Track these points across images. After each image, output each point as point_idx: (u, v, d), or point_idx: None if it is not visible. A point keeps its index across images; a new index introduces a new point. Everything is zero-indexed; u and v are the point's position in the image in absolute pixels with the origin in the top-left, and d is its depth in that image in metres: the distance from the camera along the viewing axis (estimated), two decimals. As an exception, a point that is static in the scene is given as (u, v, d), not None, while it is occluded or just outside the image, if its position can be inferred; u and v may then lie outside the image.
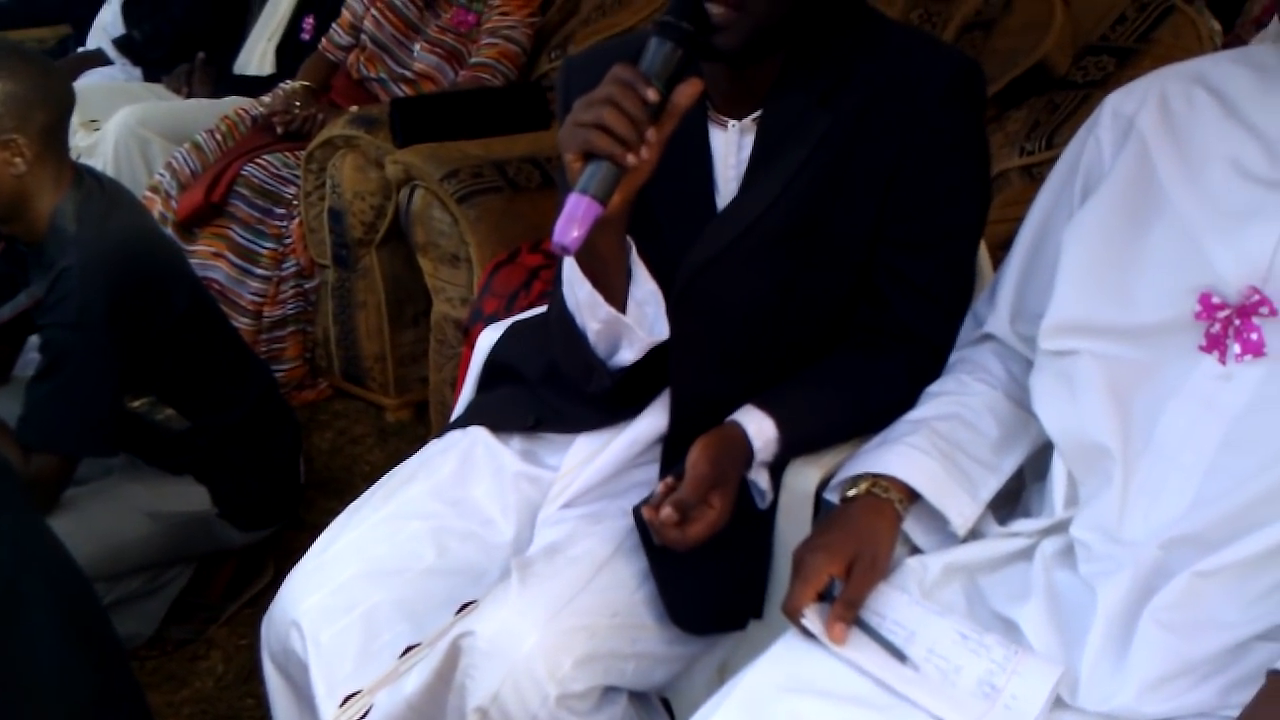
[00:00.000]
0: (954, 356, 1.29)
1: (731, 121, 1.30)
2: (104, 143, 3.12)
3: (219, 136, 3.01)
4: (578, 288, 1.22)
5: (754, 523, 1.30)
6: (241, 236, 2.86)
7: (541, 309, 1.57)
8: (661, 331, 1.24)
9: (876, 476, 1.15)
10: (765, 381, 1.30)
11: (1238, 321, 1.02)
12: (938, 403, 1.22)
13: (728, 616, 1.32)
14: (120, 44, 3.71)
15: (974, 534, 1.17)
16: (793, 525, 1.30)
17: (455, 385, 2.08)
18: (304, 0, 3.45)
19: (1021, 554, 1.13)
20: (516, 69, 2.95)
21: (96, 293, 1.81)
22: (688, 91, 1.13)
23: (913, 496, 1.15)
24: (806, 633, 1.07)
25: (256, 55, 3.51)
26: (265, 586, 2.19)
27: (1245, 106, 1.07)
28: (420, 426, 2.78)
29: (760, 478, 1.28)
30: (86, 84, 3.47)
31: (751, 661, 1.07)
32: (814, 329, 1.33)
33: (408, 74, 2.99)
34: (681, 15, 1.13)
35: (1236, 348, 1.02)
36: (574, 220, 1.07)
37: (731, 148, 1.30)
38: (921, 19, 2.42)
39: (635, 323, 1.23)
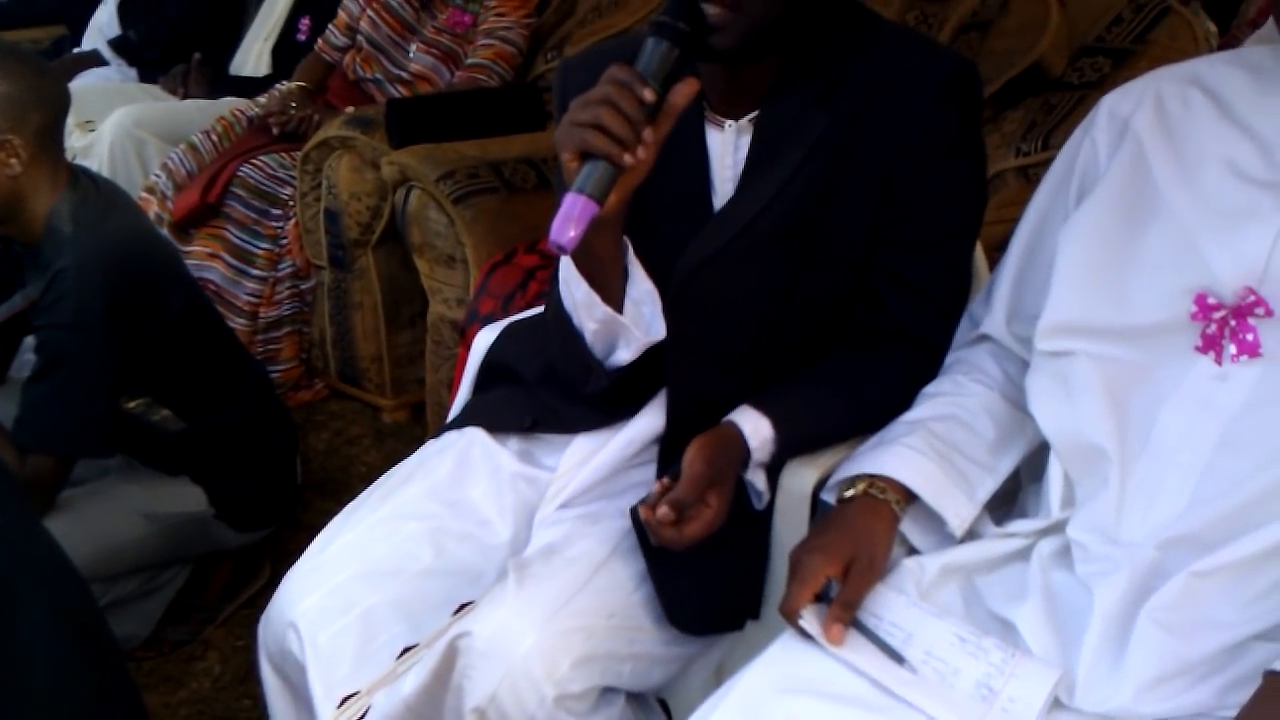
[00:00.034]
0: (950, 358, 1.29)
1: (728, 122, 1.30)
2: (100, 144, 3.11)
3: (215, 137, 3.01)
4: (574, 287, 1.22)
5: (751, 524, 1.30)
6: (237, 237, 2.86)
7: (538, 310, 1.57)
8: (658, 331, 1.24)
9: (873, 477, 1.15)
10: (762, 382, 1.30)
11: (1233, 322, 1.02)
12: (934, 404, 1.22)
13: (725, 617, 1.32)
14: (116, 45, 3.71)
15: (971, 535, 1.17)
16: (790, 526, 1.30)
17: (452, 386, 2.08)
18: (300, 1, 3.45)
19: (1018, 555, 1.13)
20: (513, 70, 2.95)
21: (92, 294, 1.81)
22: (684, 91, 1.13)
23: (910, 497, 1.15)
24: (804, 634, 1.07)
25: (252, 56, 3.51)
26: (262, 587, 2.19)
27: (1241, 108, 1.07)
28: (417, 427, 2.78)
29: (757, 478, 1.28)
30: (82, 85, 3.46)
31: (749, 663, 1.07)
32: (811, 329, 1.33)
33: (404, 75, 2.99)
34: (678, 15, 1.13)
35: (1232, 348, 1.02)
36: (570, 219, 1.07)
37: (728, 148, 1.30)
38: (917, 20, 2.43)
39: (632, 322, 1.23)
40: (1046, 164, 1.27)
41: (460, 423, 1.46)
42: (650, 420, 1.37)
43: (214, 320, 2.16)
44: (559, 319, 1.28)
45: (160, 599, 2.10)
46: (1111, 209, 1.11)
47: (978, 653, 1.03)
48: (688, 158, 1.30)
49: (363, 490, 1.40)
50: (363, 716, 1.22)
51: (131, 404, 1.99)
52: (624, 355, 1.26)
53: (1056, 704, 1.02)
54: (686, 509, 1.17)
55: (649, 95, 1.10)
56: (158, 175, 2.96)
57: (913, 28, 2.37)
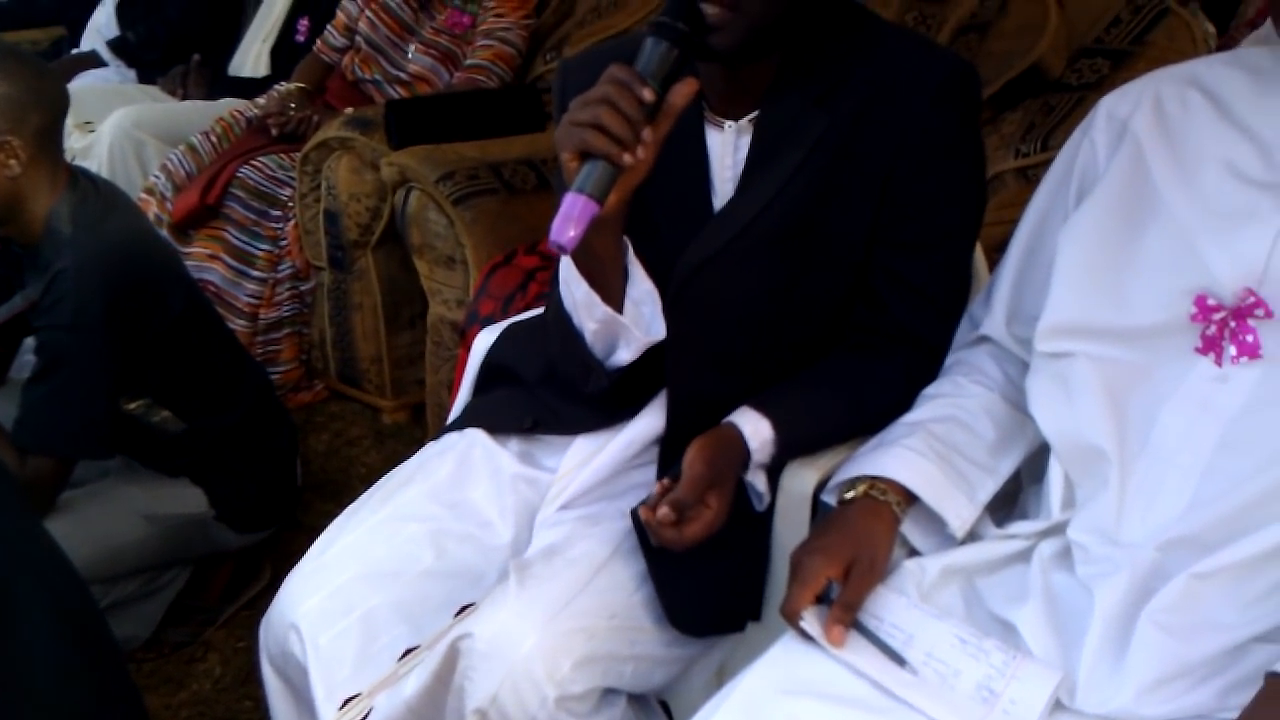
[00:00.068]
0: (950, 359, 1.29)
1: (728, 122, 1.30)
2: (99, 145, 3.11)
3: (214, 138, 3.01)
4: (575, 287, 1.22)
5: (752, 525, 1.30)
6: (237, 239, 2.86)
7: (538, 311, 1.57)
8: (658, 331, 1.24)
9: (874, 479, 1.15)
10: (762, 382, 1.30)
11: (1233, 323, 1.02)
12: (934, 405, 1.22)
13: (726, 619, 1.32)
14: (115, 46, 3.71)
15: (971, 536, 1.17)
16: (790, 527, 1.30)
17: (452, 387, 2.08)
18: (299, 2, 3.45)
19: (1019, 556, 1.13)
20: (512, 71, 2.95)
21: (92, 295, 1.81)
22: (683, 91, 1.13)
23: (910, 499, 1.15)
24: (805, 635, 1.07)
25: (251, 57, 3.51)
26: (263, 589, 2.19)
27: (1239, 108, 1.07)
28: (417, 428, 2.78)
29: (758, 480, 1.28)
30: (81, 86, 3.46)
31: (750, 664, 1.07)
32: (811, 330, 1.33)
33: (403, 76, 2.99)
34: (677, 15, 1.13)
35: (1232, 350, 1.02)
36: (570, 219, 1.07)
37: (728, 149, 1.30)
38: (916, 21, 2.43)
39: (632, 322, 1.23)
40: (1045, 165, 1.27)
41: (461, 424, 1.46)
42: (650, 421, 1.37)
43: (214, 321, 2.15)
44: (559, 319, 1.28)
45: (160, 600, 2.09)
46: (1110, 210, 1.11)
47: (979, 654, 1.03)
48: (688, 158, 1.30)
49: (363, 491, 1.40)
50: (364, 718, 1.23)
51: (131, 405, 1.98)
52: (624, 355, 1.26)
53: (1057, 705, 1.01)
54: (686, 510, 1.17)
55: (648, 95, 1.10)
56: (157, 176, 2.96)
57: (911, 29, 2.37)
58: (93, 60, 3.76)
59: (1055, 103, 2.18)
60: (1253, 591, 0.99)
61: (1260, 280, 1.02)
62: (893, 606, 1.09)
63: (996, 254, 1.29)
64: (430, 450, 1.44)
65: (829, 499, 1.21)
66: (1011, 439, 1.20)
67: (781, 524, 1.31)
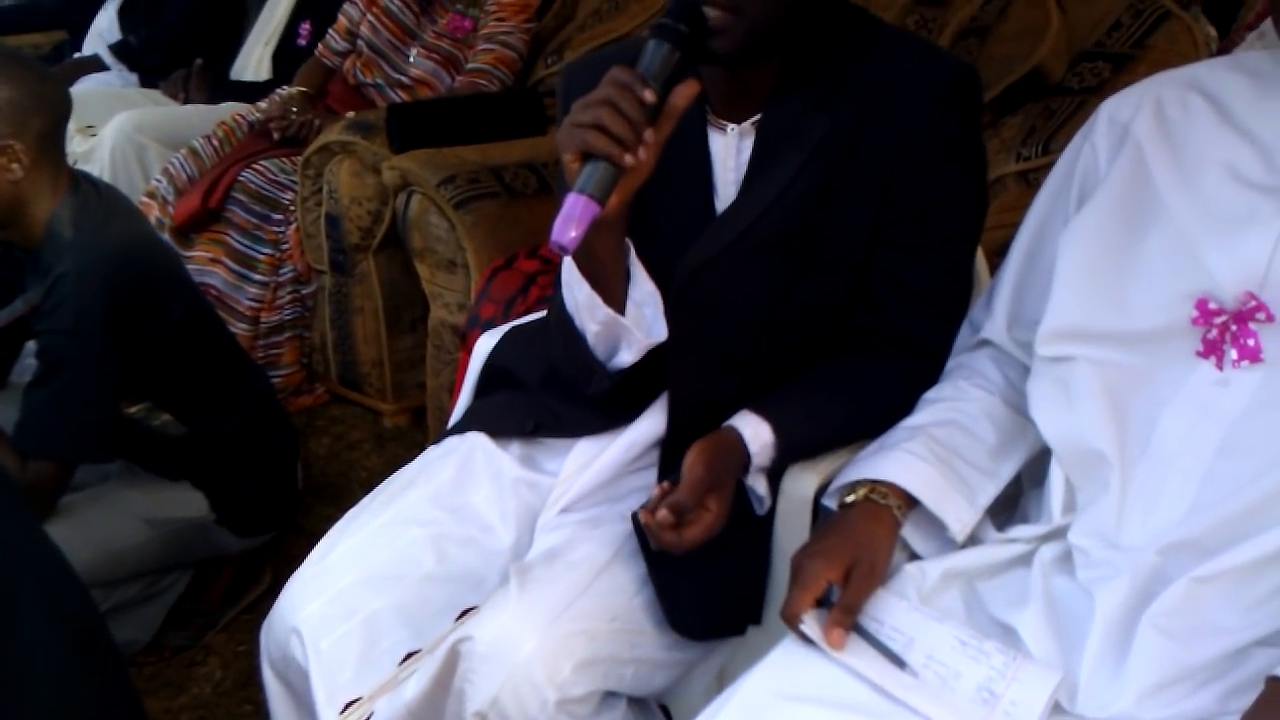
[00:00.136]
0: (951, 363, 1.29)
1: (731, 125, 1.30)
2: (100, 148, 3.11)
3: (216, 142, 3.01)
4: (576, 289, 1.22)
5: (752, 529, 1.30)
6: (238, 242, 2.86)
7: (539, 314, 1.57)
8: (660, 333, 1.24)
9: (874, 483, 1.15)
10: (763, 385, 1.30)
11: (1234, 327, 1.02)
12: (935, 409, 1.22)
13: (726, 622, 1.32)
14: (116, 50, 3.71)
15: (972, 540, 1.17)
16: (791, 531, 1.30)
17: (453, 391, 2.08)
18: (300, 6, 3.46)
19: (1020, 560, 1.13)
20: (513, 75, 2.95)
21: (93, 298, 1.81)
22: (685, 92, 1.13)
23: (911, 503, 1.15)
24: (805, 639, 1.07)
25: (253, 61, 3.51)
26: (263, 593, 2.19)
27: (1240, 112, 1.07)
28: (418, 432, 2.78)
29: (758, 483, 1.28)
30: (83, 90, 3.46)
31: (750, 667, 1.07)
32: (812, 333, 1.33)
33: (404, 79, 2.99)
34: (679, 18, 1.14)
35: (1233, 353, 1.02)
36: (572, 220, 1.07)
37: (731, 151, 1.30)
38: (917, 25, 2.43)
39: (634, 324, 1.23)
40: (1047, 169, 1.27)
41: (462, 428, 1.46)
42: (651, 424, 1.37)
43: (215, 325, 2.15)
44: (561, 321, 1.28)
45: (161, 604, 2.09)
46: (1111, 214, 1.11)
47: (979, 656, 1.03)
48: (690, 161, 1.30)
49: (364, 495, 1.40)
50: (365, 721, 1.23)
51: (132, 409, 1.99)
52: (626, 357, 1.26)
53: (1058, 709, 1.01)
54: (686, 513, 1.17)
55: (649, 96, 1.10)
56: (159, 180, 2.96)
57: (913, 32, 2.38)
58: (95, 64, 3.76)
59: (1056, 106, 2.18)
60: (1254, 595, 0.99)
61: (1261, 284, 1.02)
62: (893, 610, 1.09)
63: (997, 258, 1.29)
64: (431, 454, 1.44)
65: (829, 503, 1.21)
66: (1012, 443, 1.20)
67: (782, 528, 1.31)
